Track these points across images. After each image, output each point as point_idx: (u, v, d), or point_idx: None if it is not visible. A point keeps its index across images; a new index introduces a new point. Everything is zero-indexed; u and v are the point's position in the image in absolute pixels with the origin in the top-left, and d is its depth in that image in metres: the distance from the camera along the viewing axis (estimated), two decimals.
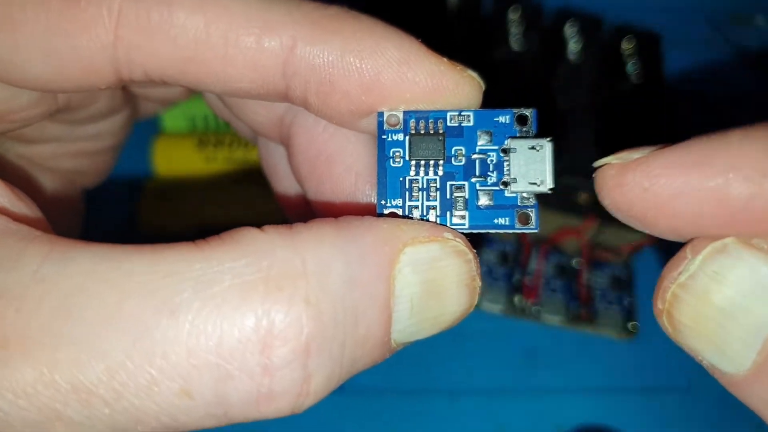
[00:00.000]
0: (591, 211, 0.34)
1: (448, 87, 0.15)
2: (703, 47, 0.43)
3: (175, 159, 0.42)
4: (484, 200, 0.15)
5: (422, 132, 0.15)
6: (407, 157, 0.15)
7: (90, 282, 0.13)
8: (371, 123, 0.16)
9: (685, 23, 0.43)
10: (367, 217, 0.14)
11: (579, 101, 0.39)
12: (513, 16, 0.41)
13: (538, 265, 0.37)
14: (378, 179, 0.15)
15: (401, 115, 0.15)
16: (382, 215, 0.15)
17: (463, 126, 0.15)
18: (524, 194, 0.15)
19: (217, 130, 0.43)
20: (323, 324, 0.13)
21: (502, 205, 0.15)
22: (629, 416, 0.35)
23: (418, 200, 0.15)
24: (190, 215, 0.40)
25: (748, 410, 0.36)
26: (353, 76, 0.15)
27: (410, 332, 0.15)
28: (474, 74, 0.15)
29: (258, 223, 0.39)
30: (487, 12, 0.42)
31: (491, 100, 0.18)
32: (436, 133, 0.15)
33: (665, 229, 0.14)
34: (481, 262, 0.37)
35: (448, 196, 0.15)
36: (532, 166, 0.15)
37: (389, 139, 0.15)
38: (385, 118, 0.15)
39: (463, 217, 0.15)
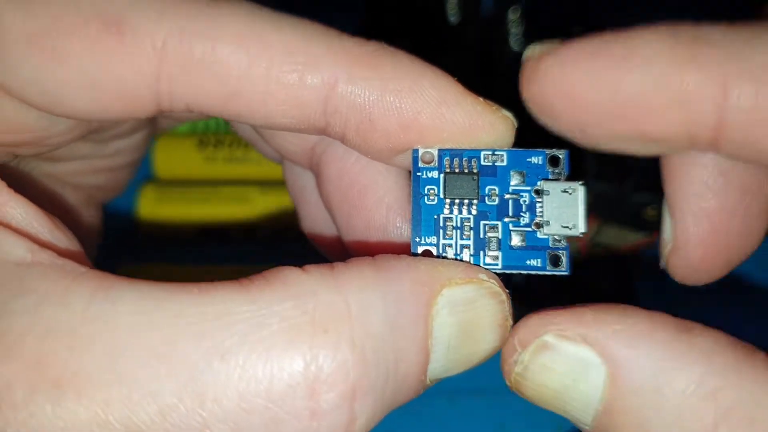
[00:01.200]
0: (591, 211, 0.34)
1: (484, 127, 0.15)
2: None
3: (175, 159, 0.41)
4: (516, 241, 0.15)
5: (456, 171, 0.15)
6: (442, 195, 0.15)
7: (139, 323, 0.13)
8: (405, 158, 0.16)
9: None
10: (404, 257, 0.14)
11: None
12: (513, 16, 0.41)
13: None
14: (412, 216, 0.15)
15: (436, 153, 0.15)
16: (416, 253, 0.15)
17: (496, 165, 0.15)
18: (556, 237, 0.15)
19: (217, 131, 0.42)
20: (368, 367, 0.14)
21: (534, 246, 0.15)
22: None
23: (451, 238, 0.15)
24: (190, 215, 0.40)
25: None
26: (393, 116, 0.15)
27: (444, 370, 0.15)
28: (508, 114, 0.16)
29: (257, 225, 0.38)
30: (487, 12, 0.42)
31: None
32: (470, 172, 0.15)
33: (570, 124, 0.15)
34: None
35: (481, 236, 0.15)
36: (564, 210, 0.15)
37: (424, 176, 0.15)
38: (419, 155, 0.15)
39: (496, 257, 0.15)
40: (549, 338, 0.14)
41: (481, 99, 0.15)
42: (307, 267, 0.14)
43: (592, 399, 0.14)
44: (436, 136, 0.15)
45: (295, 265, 0.39)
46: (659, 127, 0.14)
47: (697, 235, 0.16)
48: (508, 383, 0.15)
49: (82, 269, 0.14)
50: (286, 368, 0.13)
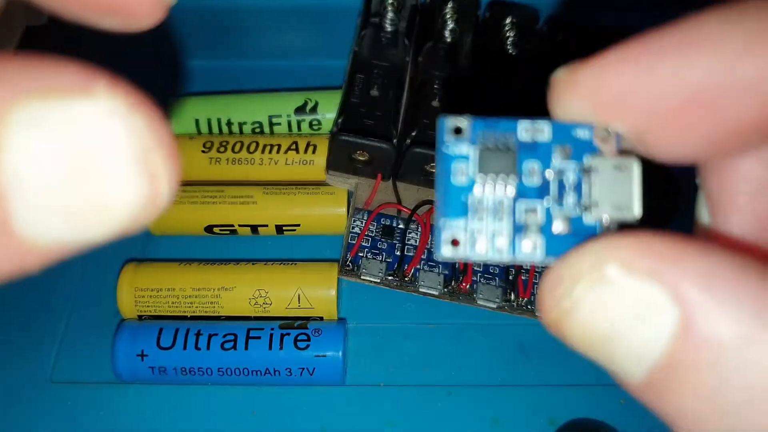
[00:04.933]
0: None
1: None
2: None
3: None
4: (559, 226, 0.11)
5: (490, 145, 0.12)
6: (473, 173, 0.12)
7: None
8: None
9: None
10: None
11: None
12: (508, 20, 0.38)
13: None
14: (437, 197, 0.12)
15: (468, 123, 0.12)
16: (440, 238, 0.12)
17: (537, 140, 0.12)
18: (606, 221, 0.11)
19: (221, 133, 0.39)
20: None
21: (580, 232, 0.11)
22: (622, 410, 0.32)
23: (483, 223, 0.12)
24: (195, 216, 0.37)
25: None
26: None
27: (55, 225, 0.08)
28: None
29: (260, 223, 0.35)
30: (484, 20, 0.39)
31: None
32: (507, 146, 0.12)
33: (621, 120, 0.11)
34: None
35: (518, 221, 0.12)
36: (616, 189, 0.11)
37: (452, 151, 0.12)
38: (446, 126, 0.12)
39: (536, 245, 0.12)
40: (611, 270, 0.10)
41: None
42: None
43: (653, 348, 0.10)
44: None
45: (297, 260, 0.35)
46: (734, 116, 0.11)
47: (743, 238, 0.12)
48: (545, 320, 0.11)
49: None
50: None
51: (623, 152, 0.11)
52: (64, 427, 0.32)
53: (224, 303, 0.35)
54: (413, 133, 0.34)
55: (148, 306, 0.35)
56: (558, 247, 0.11)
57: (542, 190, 0.12)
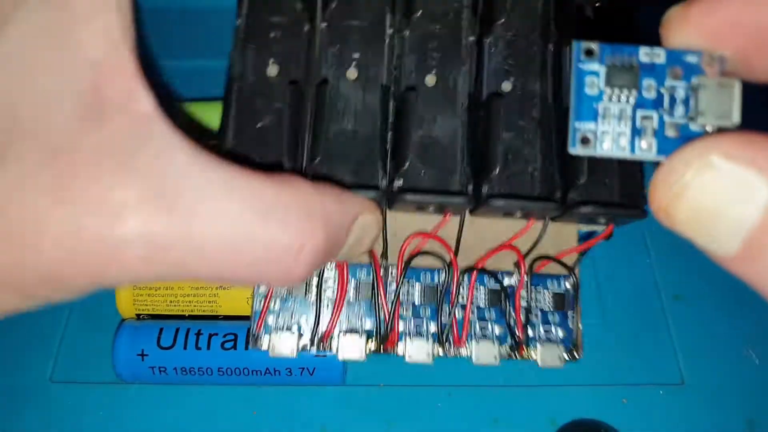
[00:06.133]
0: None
1: None
2: None
3: None
4: (670, 132, 0.15)
5: (617, 64, 0.15)
6: (602, 86, 0.15)
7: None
8: None
9: None
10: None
11: None
12: None
13: (469, 296, 0.26)
14: (573, 104, 0.14)
15: (597, 47, 0.15)
16: (574, 139, 0.14)
17: (654, 62, 0.15)
18: (709, 128, 0.15)
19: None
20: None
21: (687, 136, 0.15)
22: (623, 410, 0.34)
23: (609, 126, 0.15)
24: None
25: (739, 405, 0.36)
26: None
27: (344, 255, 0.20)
28: None
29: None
30: None
31: None
32: (631, 65, 0.15)
33: (734, 56, 0.14)
34: (404, 302, 0.26)
35: (638, 125, 0.15)
36: (720, 102, 0.14)
37: (585, 68, 0.15)
38: (580, 48, 0.15)
39: (650, 144, 0.15)
40: (715, 158, 0.13)
41: None
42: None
43: (748, 220, 0.13)
44: None
45: None
46: None
47: None
48: (655, 206, 0.14)
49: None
50: None
51: (725, 75, 0.15)
52: (64, 427, 0.32)
53: (222, 302, 0.36)
54: None
55: (146, 305, 0.35)
56: (668, 147, 0.14)
57: (657, 102, 0.15)
